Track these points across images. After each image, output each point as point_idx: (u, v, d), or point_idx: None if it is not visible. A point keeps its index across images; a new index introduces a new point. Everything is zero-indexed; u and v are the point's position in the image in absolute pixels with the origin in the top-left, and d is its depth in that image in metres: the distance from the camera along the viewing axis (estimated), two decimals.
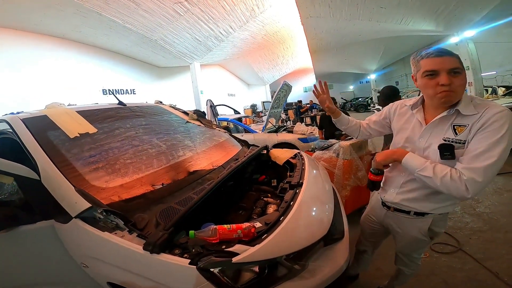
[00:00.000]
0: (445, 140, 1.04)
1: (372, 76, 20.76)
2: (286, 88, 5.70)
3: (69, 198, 1.25)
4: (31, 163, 1.38)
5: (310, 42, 13.18)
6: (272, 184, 1.93)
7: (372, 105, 16.01)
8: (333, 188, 1.82)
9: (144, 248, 1.04)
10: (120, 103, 2.32)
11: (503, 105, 0.99)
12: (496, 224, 2.53)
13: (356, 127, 1.55)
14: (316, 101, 19.68)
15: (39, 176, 1.33)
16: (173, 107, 2.80)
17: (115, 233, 1.14)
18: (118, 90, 10.42)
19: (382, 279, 1.82)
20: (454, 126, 1.04)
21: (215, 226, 1.07)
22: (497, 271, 1.88)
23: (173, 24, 8.66)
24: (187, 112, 2.71)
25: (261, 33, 12.77)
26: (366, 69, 20.25)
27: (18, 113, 1.79)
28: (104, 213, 1.18)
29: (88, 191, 1.29)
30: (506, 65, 10.47)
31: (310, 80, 25.25)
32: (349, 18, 9.35)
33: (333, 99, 3.55)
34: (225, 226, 1.09)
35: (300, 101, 15.24)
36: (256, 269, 1.07)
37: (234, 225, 1.09)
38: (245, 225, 1.10)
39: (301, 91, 25.86)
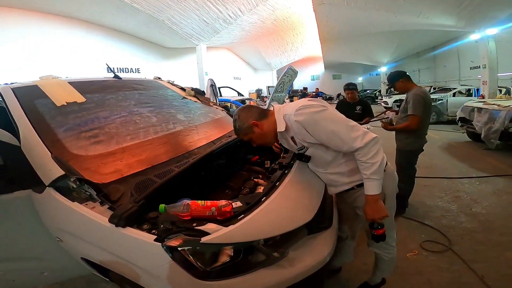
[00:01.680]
0: (298, 150, 1.27)
1: (383, 69, 20.17)
2: (292, 73, 5.51)
3: (45, 165, 1.19)
4: (15, 131, 1.34)
5: (321, 30, 12.75)
6: (266, 166, 1.84)
7: (379, 97, 15.64)
8: None
9: (110, 221, 0.96)
10: (116, 76, 2.27)
11: None
12: (490, 226, 2.45)
13: None
14: (322, 89, 19.41)
15: (20, 142, 1.28)
16: (171, 83, 2.71)
17: (86, 204, 1.07)
18: (122, 68, 10.33)
19: (368, 273, 1.75)
20: (291, 138, 1.24)
21: (188, 201, 0.98)
22: (483, 274, 1.81)
23: (181, 4, 8.44)
24: (185, 88, 2.61)
25: (271, 18, 12.40)
26: (377, 62, 19.65)
27: (12, 83, 1.78)
28: (78, 183, 1.11)
29: (65, 159, 1.22)
30: None
31: (318, 69, 24.77)
32: (365, 7, 8.93)
33: (352, 84, 3.48)
34: (199, 202, 0.99)
35: (305, 88, 15.04)
36: (230, 252, 0.98)
37: (208, 202, 0.99)
38: (221, 202, 1.00)
39: (308, 79, 25.39)
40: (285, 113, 1.21)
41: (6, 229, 1.29)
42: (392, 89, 2.68)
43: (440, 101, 8.72)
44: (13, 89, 1.59)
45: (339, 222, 1.55)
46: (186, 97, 2.42)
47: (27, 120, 1.38)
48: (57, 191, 1.14)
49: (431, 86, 12.26)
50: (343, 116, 1.21)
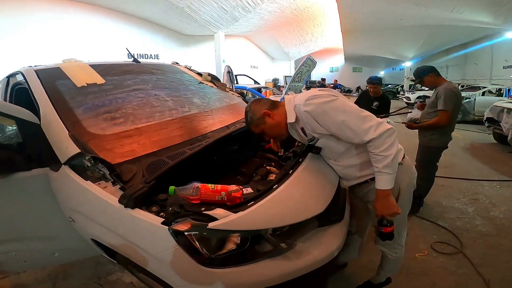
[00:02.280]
0: (309, 141, 1.23)
1: (408, 64, 19.27)
2: (310, 63, 5.36)
3: (61, 143, 1.20)
4: (36, 111, 1.36)
5: (343, 21, 12.26)
6: (279, 154, 1.81)
7: (402, 92, 15.00)
8: None
9: (119, 201, 0.94)
10: (135, 60, 2.30)
11: None
12: (505, 230, 2.35)
13: None
14: (341, 81, 18.96)
15: (40, 121, 1.30)
16: (188, 68, 2.70)
17: (99, 184, 1.06)
18: (142, 54, 10.50)
19: (373, 271, 1.70)
20: (302, 129, 1.20)
21: (198, 184, 0.96)
22: (490, 279, 1.75)
23: None
24: (201, 73, 2.59)
25: (291, 7, 12.06)
26: (401, 56, 18.77)
27: (35, 66, 1.84)
28: (92, 161, 1.10)
29: (82, 138, 1.23)
30: None
31: (338, 61, 24.07)
32: (392, 0, 8.45)
33: (376, 79, 3.34)
34: (209, 185, 0.96)
35: (323, 79, 14.72)
36: (238, 240, 0.95)
37: (219, 186, 0.96)
38: (232, 187, 0.97)
39: (327, 70, 24.77)
40: (295, 104, 1.17)
41: (21, 207, 1.29)
42: (419, 84, 2.56)
43: (467, 100, 8.23)
44: (36, 71, 1.63)
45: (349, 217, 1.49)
46: (203, 82, 2.41)
47: (48, 99, 1.40)
48: (73, 170, 1.15)
49: (459, 84, 11.65)
50: (355, 105, 1.15)
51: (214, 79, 2.56)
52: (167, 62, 2.83)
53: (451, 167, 4.10)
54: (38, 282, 1.86)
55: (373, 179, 1.16)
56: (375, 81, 3.32)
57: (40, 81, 1.54)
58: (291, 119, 1.17)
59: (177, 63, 2.79)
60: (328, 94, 1.12)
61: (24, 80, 1.62)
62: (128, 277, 1.82)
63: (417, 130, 2.53)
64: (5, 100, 1.98)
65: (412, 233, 2.27)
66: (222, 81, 3.22)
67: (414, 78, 2.60)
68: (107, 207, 1.00)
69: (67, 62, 1.98)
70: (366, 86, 3.46)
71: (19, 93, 1.91)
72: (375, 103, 3.32)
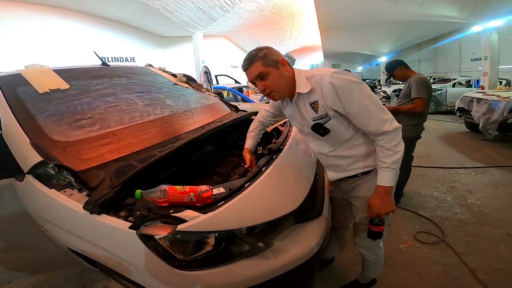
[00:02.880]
0: (314, 120, 1.10)
1: (383, 59, 19.93)
2: (289, 61, 5.40)
3: (23, 152, 1.14)
4: None
5: (321, 19, 12.46)
6: (258, 152, 1.81)
7: (378, 87, 15.53)
8: (318, 161, 1.68)
9: (84, 208, 0.91)
10: (104, 64, 2.21)
11: None
12: (484, 218, 2.43)
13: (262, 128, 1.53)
14: None
15: (1, 130, 1.25)
16: (162, 70, 2.63)
17: (64, 192, 1.02)
18: (117, 57, 10.16)
19: (360, 265, 1.72)
20: (311, 104, 1.09)
21: (165, 187, 0.93)
22: (475, 268, 1.80)
23: None
24: (176, 74, 2.53)
25: (269, 6, 12.09)
26: (377, 51, 19.39)
27: None
28: (56, 169, 1.06)
29: (45, 145, 1.16)
30: None
31: (318, 58, 24.48)
32: None
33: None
34: (177, 187, 0.94)
35: None
36: (212, 241, 0.93)
37: (187, 187, 0.94)
38: (201, 188, 0.94)
39: (307, 68, 25.14)
40: (309, 75, 1.08)
41: None
42: (392, 78, 2.65)
43: (439, 91, 8.68)
44: None
45: (332, 212, 1.49)
46: (178, 83, 2.35)
47: (8, 108, 1.33)
48: (37, 179, 1.10)
49: (431, 77, 12.20)
50: (376, 96, 1.09)
51: (189, 80, 2.51)
52: (144, 64, 2.75)
53: (428, 156, 4.27)
54: None
55: (365, 173, 1.16)
56: None
57: (0, 89, 1.45)
58: (302, 89, 1.06)
59: (150, 65, 2.72)
60: (356, 76, 1.06)
61: None
62: (115, 285, 1.76)
63: None
64: None
65: (394, 225, 2.32)
66: (199, 82, 3.18)
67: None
68: (73, 214, 0.96)
69: (30, 68, 1.88)
70: None
71: None
72: None
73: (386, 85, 13.17)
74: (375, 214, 1.10)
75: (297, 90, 1.07)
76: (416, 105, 2.33)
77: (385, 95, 11.99)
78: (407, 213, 2.56)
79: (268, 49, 1.07)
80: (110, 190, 0.94)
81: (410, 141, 2.52)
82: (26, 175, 1.13)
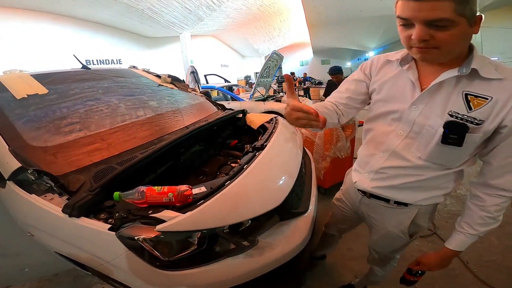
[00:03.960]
0: (451, 115, 0.71)
1: (371, 54, 20.16)
2: (277, 58, 5.42)
3: (2, 159, 1.13)
4: None
5: (308, 15, 12.50)
6: (245, 150, 1.81)
7: None
8: (303, 157, 1.67)
9: (63, 211, 0.91)
10: (84, 67, 2.18)
11: None
12: None
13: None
14: (311, 74, 19.21)
15: None
16: (146, 71, 2.60)
17: (45, 196, 1.02)
18: (102, 60, 9.93)
19: (353, 260, 1.72)
20: (466, 95, 0.70)
21: (143, 188, 0.93)
22: (468, 260, 1.81)
23: None
24: (160, 75, 2.51)
25: (257, 3, 12.05)
26: (365, 47, 19.56)
27: None
28: (36, 175, 1.05)
29: (24, 151, 1.15)
30: (508, 52, 10.07)
31: (307, 54, 24.51)
32: None
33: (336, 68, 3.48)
34: (155, 188, 0.94)
35: (292, 73, 15.03)
36: (195, 241, 0.93)
37: (166, 187, 0.94)
38: (181, 188, 0.94)
39: (297, 65, 25.18)
40: (493, 62, 0.71)
41: None
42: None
43: None
44: None
45: (332, 219, 1.40)
46: (162, 84, 2.33)
47: None
48: (18, 185, 1.10)
49: None
50: None
51: (174, 80, 2.49)
52: (128, 66, 2.71)
53: None
54: None
55: (398, 203, 0.93)
56: (335, 72, 3.51)
57: None
58: (487, 71, 0.69)
59: (134, 66, 2.69)
60: None
61: None
62: None
63: None
64: None
65: None
66: (186, 82, 3.15)
67: None
68: (55, 218, 0.96)
69: (8, 73, 1.83)
70: (330, 76, 3.64)
71: None
72: None
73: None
74: (425, 269, 0.95)
75: (474, 66, 0.69)
76: None
77: None
78: None
79: None
80: (89, 193, 0.94)
81: None
82: (7, 181, 1.12)
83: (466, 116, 0.70)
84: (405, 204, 0.92)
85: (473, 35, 0.70)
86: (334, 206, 1.31)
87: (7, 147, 1.15)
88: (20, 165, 1.06)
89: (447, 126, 0.71)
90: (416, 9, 0.63)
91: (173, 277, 0.90)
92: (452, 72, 0.71)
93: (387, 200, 0.95)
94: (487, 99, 0.68)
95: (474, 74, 0.70)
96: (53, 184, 1.04)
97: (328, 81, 4.11)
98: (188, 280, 0.92)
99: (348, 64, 24.91)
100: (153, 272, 0.89)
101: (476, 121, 0.69)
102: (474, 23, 0.67)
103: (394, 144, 0.85)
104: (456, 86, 0.72)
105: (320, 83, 19.70)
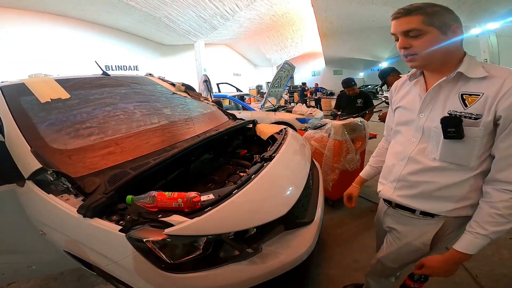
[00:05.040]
0: (450, 114, 0.81)
1: (384, 64, 20.03)
2: (289, 68, 5.48)
3: (24, 159, 1.20)
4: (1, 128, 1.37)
5: (320, 25, 12.62)
6: (254, 160, 1.85)
7: (380, 92, 15.56)
8: (312, 168, 1.69)
9: (78, 211, 0.97)
10: (104, 73, 2.29)
11: None
12: None
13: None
14: (323, 85, 19.17)
15: (4, 138, 1.31)
16: (161, 79, 2.70)
17: (61, 197, 1.07)
18: (120, 66, 10.34)
19: (357, 272, 1.69)
20: (462, 95, 0.80)
21: (154, 193, 0.97)
22: (477, 274, 1.74)
23: (177, 1, 8.38)
24: (175, 83, 2.59)
25: (269, 14, 12.28)
26: (378, 57, 19.49)
27: (2, 82, 1.82)
28: (55, 175, 1.11)
29: (45, 153, 1.22)
30: None
31: (319, 65, 24.60)
32: (363, 2, 8.82)
33: (351, 80, 3.47)
34: (166, 193, 0.98)
35: (304, 84, 15.01)
36: (200, 246, 0.96)
37: (175, 193, 0.98)
38: (190, 194, 0.98)
39: (309, 75, 25.26)
40: (485, 64, 0.81)
41: None
42: (385, 85, 2.69)
43: None
44: (0, 88, 1.61)
45: (376, 241, 1.34)
46: (176, 92, 2.41)
47: (11, 117, 1.40)
48: (36, 185, 1.16)
49: None
50: None
51: (188, 89, 2.56)
52: (144, 73, 2.82)
53: None
54: None
55: (424, 213, 0.92)
56: (350, 84, 3.48)
57: (4, 98, 1.52)
58: (472, 72, 0.79)
59: (150, 74, 2.78)
60: None
61: None
62: None
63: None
64: None
65: None
66: (199, 90, 3.24)
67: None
68: (69, 218, 1.01)
69: (34, 77, 1.94)
70: (344, 89, 3.62)
71: None
72: (359, 101, 3.47)
73: (387, 90, 13.21)
74: (428, 274, 0.91)
75: (460, 70, 0.79)
76: None
77: (387, 100, 12.04)
78: None
79: (445, 8, 0.81)
80: (103, 195, 0.99)
81: None
82: (27, 181, 1.18)
83: (463, 113, 0.79)
84: (432, 215, 0.92)
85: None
86: (375, 225, 1.31)
87: (29, 148, 1.23)
88: (41, 166, 1.12)
89: (443, 121, 0.81)
90: (396, 25, 0.84)
91: (177, 279, 0.93)
92: (443, 78, 0.83)
93: (412, 211, 0.95)
94: (479, 95, 0.78)
95: (466, 77, 0.81)
96: (70, 185, 1.10)
97: (340, 91, 4.10)
98: (191, 283, 0.94)
99: (361, 74, 24.79)
100: (158, 273, 0.92)
101: (473, 116, 0.78)
102: (451, 32, 0.80)
103: (409, 150, 0.92)
104: (453, 89, 0.83)
105: (332, 93, 19.66)
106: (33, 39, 7.83)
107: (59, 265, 1.54)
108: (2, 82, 1.81)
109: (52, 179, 1.12)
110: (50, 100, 1.61)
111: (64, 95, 1.69)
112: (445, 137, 0.80)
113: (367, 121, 3.02)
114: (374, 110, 3.48)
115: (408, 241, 1.00)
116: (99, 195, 1.00)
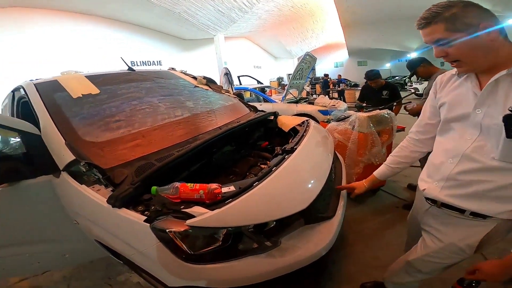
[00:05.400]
0: (511, 110, 0.73)
1: (413, 55, 18.91)
2: (310, 60, 5.34)
3: (59, 152, 1.27)
4: (36, 122, 1.45)
5: (342, 15, 12.14)
6: (276, 152, 1.83)
7: (409, 83, 14.69)
8: (334, 161, 1.64)
9: (107, 201, 1.01)
10: (130, 68, 2.36)
11: None
12: None
13: (413, 157, 1.14)
14: (346, 76, 18.53)
15: (40, 131, 1.38)
16: (183, 73, 2.75)
17: (93, 187, 1.13)
18: (145, 61, 10.67)
19: (377, 269, 1.61)
20: None
21: (177, 184, 1.00)
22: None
23: None
24: (196, 77, 2.63)
25: (288, 5, 12.02)
26: (406, 47, 18.45)
27: (36, 79, 1.93)
28: (87, 167, 1.17)
29: (77, 146, 1.29)
30: None
31: (342, 56, 23.80)
32: None
33: (378, 72, 3.31)
34: (188, 184, 0.99)
35: (326, 75, 14.51)
36: (220, 237, 0.97)
37: (197, 185, 0.99)
38: (211, 186, 0.99)
39: (331, 66, 24.55)
40: None
41: (30, 212, 1.37)
42: (415, 76, 2.53)
43: None
44: (35, 85, 1.72)
45: (408, 238, 1.29)
46: (198, 85, 2.44)
47: (46, 111, 1.48)
48: (71, 176, 1.23)
49: None
50: None
51: (209, 82, 2.59)
52: (167, 67, 2.88)
53: None
54: (54, 283, 1.95)
55: (475, 214, 0.86)
56: (373, 77, 3.32)
57: (39, 94, 1.62)
58: None
59: (173, 68, 2.84)
60: None
61: (25, 94, 1.70)
62: (136, 278, 1.87)
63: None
64: (12, 113, 2.08)
65: None
66: (219, 83, 3.26)
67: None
68: (99, 208, 1.06)
69: (65, 74, 2.05)
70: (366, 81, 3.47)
71: (24, 105, 1.98)
72: (385, 92, 3.31)
73: (418, 82, 12.46)
74: (481, 279, 0.85)
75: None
76: None
77: (417, 92, 11.41)
78: None
79: (463, 6, 0.75)
80: (130, 186, 1.03)
81: None
82: (62, 172, 1.26)
83: None
84: (483, 217, 0.85)
85: None
86: (408, 223, 1.25)
87: (64, 141, 1.30)
88: (74, 157, 1.19)
89: (505, 119, 0.73)
90: (423, 35, 0.82)
91: (196, 270, 0.95)
92: (503, 72, 0.75)
93: (461, 211, 0.89)
94: None
95: None
96: (101, 176, 1.15)
97: (365, 83, 3.93)
98: (209, 274, 0.96)
99: (387, 65, 23.61)
100: (178, 263, 0.95)
101: None
102: (482, 30, 0.73)
103: (463, 147, 0.85)
104: (510, 84, 0.75)
105: (356, 85, 18.93)
106: (60, 37, 8.22)
107: (90, 253, 1.62)
108: (36, 79, 1.92)
109: (84, 170, 1.18)
110: (81, 96, 1.69)
111: (94, 90, 1.76)
112: (508, 136, 0.73)
113: (396, 114, 2.87)
114: (403, 102, 3.30)
115: (451, 242, 0.94)
116: (127, 186, 1.04)
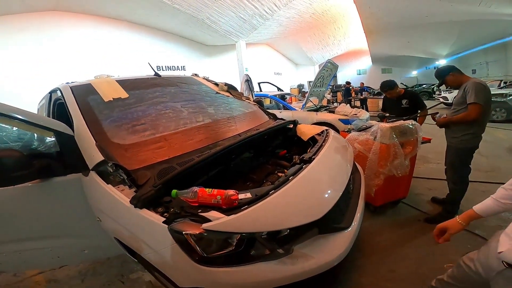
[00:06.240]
0: None
1: (442, 62, 18.09)
2: (331, 67, 5.28)
3: (90, 152, 1.36)
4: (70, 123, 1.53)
5: (365, 21, 11.95)
6: (294, 160, 1.83)
7: (437, 92, 14.00)
8: (353, 172, 1.62)
9: (130, 202, 1.06)
10: (156, 74, 2.46)
11: None
12: None
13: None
14: (370, 84, 18.03)
15: (74, 132, 1.46)
16: (206, 79, 2.83)
17: (118, 187, 1.19)
18: (170, 66, 11.07)
19: (392, 282, 1.56)
20: None
21: (196, 188, 1.03)
22: None
23: (218, 3, 8.67)
24: (218, 83, 2.70)
25: (309, 12, 12.00)
26: (434, 54, 17.70)
27: (71, 82, 2.06)
28: (114, 168, 1.24)
29: (107, 147, 1.37)
30: None
31: (365, 63, 23.26)
32: None
33: (391, 83, 3.21)
34: (207, 189, 1.03)
35: (348, 83, 14.10)
36: (234, 242, 0.99)
37: (215, 190, 1.03)
38: (229, 192, 1.03)
39: (354, 73, 24.05)
40: None
41: (58, 208, 1.46)
42: (444, 85, 2.44)
43: (511, 97, 7.51)
44: (71, 87, 1.83)
45: (448, 273, 1.25)
46: (219, 92, 2.50)
47: (80, 113, 1.58)
48: (98, 175, 1.30)
49: (501, 80, 10.64)
50: None
51: (230, 88, 2.64)
52: (191, 73, 2.98)
53: (494, 171, 3.71)
54: (69, 278, 2.04)
55: None
56: (386, 88, 3.24)
57: (74, 97, 1.72)
58: None
59: (196, 74, 2.93)
60: None
61: (60, 95, 1.82)
62: (148, 276, 1.92)
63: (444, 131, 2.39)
64: (48, 113, 2.23)
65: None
66: (240, 90, 3.32)
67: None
68: (122, 207, 1.12)
69: (98, 78, 2.16)
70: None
71: (60, 107, 2.10)
72: (404, 101, 3.18)
73: (447, 91, 11.88)
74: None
75: None
76: (470, 112, 2.10)
77: (446, 101, 10.83)
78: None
79: None
80: (152, 188, 1.08)
81: (468, 152, 2.28)
82: (91, 171, 1.33)
83: None
84: None
85: None
86: (460, 265, 1.15)
87: (95, 142, 1.39)
88: (103, 158, 1.26)
89: None
90: None
91: (207, 272, 0.98)
92: None
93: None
94: None
95: None
96: (126, 177, 1.21)
97: (384, 96, 3.82)
98: (220, 277, 0.98)
99: (414, 73, 22.73)
100: (191, 265, 0.98)
101: None
102: None
103: None
104: None
105: (379, 93, 18.34)
106: (94, 40, 8.72)
107: (107, 250, 1.68)
108: (72, 82, 2.03)
109: (111, 170, 1.25)
110: (112, 99, 1.78)
111: (124, 94, 1.86)
112: None
113: (421, 124, 2.75)
114: (429, 112, 3.16)
115: None
116: (149, 188, 1.09)
